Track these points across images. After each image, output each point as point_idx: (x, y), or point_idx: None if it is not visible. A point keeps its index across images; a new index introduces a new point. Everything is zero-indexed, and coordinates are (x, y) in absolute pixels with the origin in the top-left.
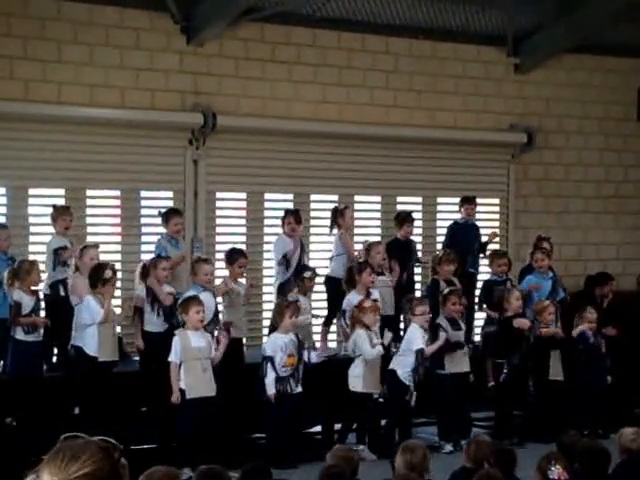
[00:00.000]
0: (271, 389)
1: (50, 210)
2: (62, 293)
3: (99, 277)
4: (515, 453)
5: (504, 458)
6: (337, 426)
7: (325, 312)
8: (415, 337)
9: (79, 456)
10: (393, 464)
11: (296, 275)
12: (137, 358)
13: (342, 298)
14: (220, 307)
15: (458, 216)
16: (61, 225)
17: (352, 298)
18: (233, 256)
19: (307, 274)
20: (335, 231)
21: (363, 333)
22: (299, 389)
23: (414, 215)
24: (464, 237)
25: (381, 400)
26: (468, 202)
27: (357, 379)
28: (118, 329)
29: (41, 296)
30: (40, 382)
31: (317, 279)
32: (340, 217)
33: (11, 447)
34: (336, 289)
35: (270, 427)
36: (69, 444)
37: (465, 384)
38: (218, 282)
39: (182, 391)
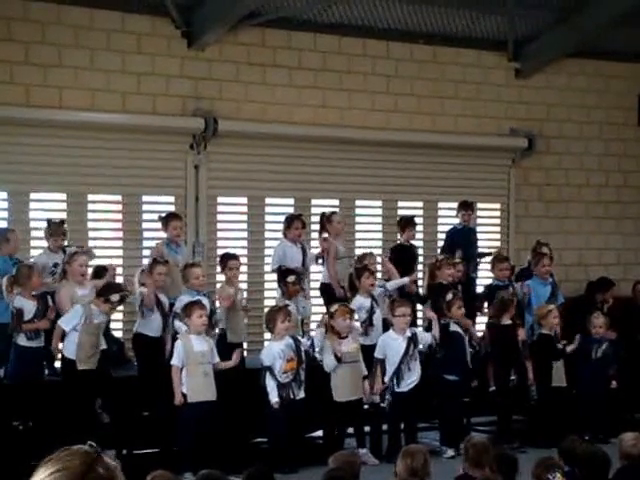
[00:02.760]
0: (274, 397)
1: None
2: (50, 303)
3: (109, 294)
4: (517, 459)
5: (505, 464)
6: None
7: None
8: (379, 346)
9: (48, 464)
10: None
11: (280, 280)
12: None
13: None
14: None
15: (457, 221)
16: (53, 244)
17: (358, 300)
18: (223, 260)
19: (290, 278)
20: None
21: (329, 346)
22: (302, 394)
23: (415, 219)
24: (463, 242)
25: (366, 407)
26: (465, 208)
27: (333, 388)
28: (120, 334)
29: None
30: (42, 387)
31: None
32: (328, 223)
33: (16, 451)
34: (332, 295)
35: (271, 432)
36: (51, 456)
37: (466, 388)
38: (218, 286)
39: (184, 395)
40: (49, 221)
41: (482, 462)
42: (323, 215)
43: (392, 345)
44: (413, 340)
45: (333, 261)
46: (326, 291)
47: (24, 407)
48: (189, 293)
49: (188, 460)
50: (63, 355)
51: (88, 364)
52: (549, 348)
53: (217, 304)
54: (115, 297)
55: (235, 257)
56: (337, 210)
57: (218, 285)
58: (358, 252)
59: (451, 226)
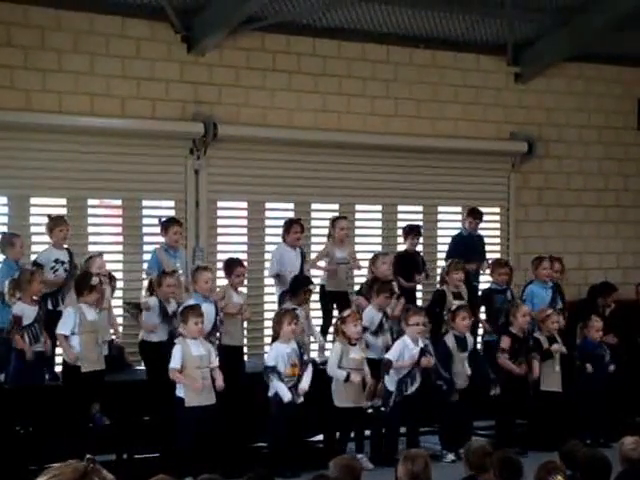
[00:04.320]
0: (286, 396)
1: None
2: (50, 306)
3: (86, 284)
4: (522, 463)
5: (509, 468)
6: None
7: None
8: (395, 349)
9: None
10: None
11: (297, 286)
12: (141, 367)
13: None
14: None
15: (459, 225)
16: (57, 236)
17: (370, 313)
18: (231, 266)
19: (312, 287)
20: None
21: (338, 348)
22: (301, 399)
23: (420, 228)
24: (468, 249)
25: (370, 411)
26: (473, 215)
27: (334, 393)
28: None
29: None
30: (43, 391)
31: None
32: (332, 227)
33: (16, 455)
34: (331, 299)
35: (272, 436)
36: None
37: (465, 395)
38: (218, 290)
39: (181, 400)
40: (49, 215)
41: (484, 466)
42: (331, 219)
43: (408, 354)
44: (425, 352)
45: (315, 261)
46: (325, 294)
47: (25, 411)
48: (196, 298)
49: (188, 465)
50: (65, 361)
51: (94, 365)
52: (539, 351)
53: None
54: (95, 280)
55: (241, 264)
56: (345, 216)
57: (218, 290)
58: (357, 256)
59: (453, 232)
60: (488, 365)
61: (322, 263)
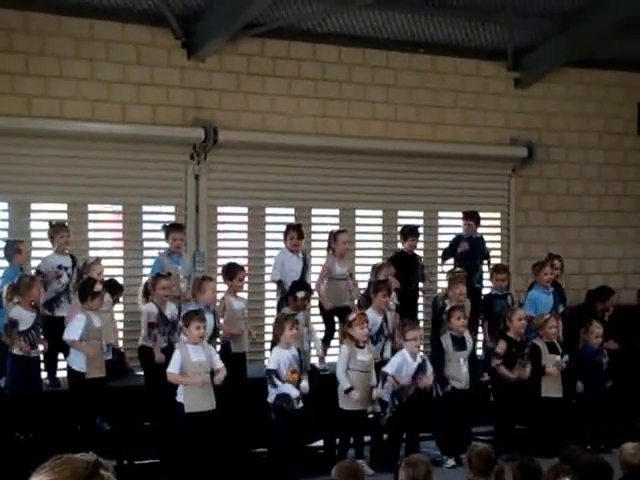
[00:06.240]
0: (293, 391)
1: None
2: (48, 312)
3: (89, 291)
4: (541, 468)
5: (528, 474)
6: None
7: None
8: (394, 362)
9: (41, 471)
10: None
11: (290, 292)
12: (141, 373)
13: (340, 315)
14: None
15: (460, 230)
16: (59, 242)
17: (371, 316)
18: (232, 270)
19: (300, 294)
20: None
21: (345, 351)
22: (301, 404)
23: (418, 229)
24: (469, 251)
25: (371, 416)
26: (465, 218)
27: (340, 396)
28: (120, 343)
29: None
30: (40, 398)
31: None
32: (334, 241)
33: (16, 462)
34: (332, 315)
35: (272, 442)
36: (47, 463)
37: (464, 400)
38: (219, 296)
39: (181, 405)
40: (50, 222)
41: (486, 470)
42: (331, 232)
43: (407, 369)
44: (422, 368)
45: (321, 280)
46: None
47: (25, 418)
48: (197, 307)
49: (188, 470)
50: (70, 368)
51: (98, 372)
52: (537, 359)
53: (221, 321)
54: (98, 287)
55: (243, 268)
56: (345, 229)
57: (219, 295)
58: (358, 261)
59: (454, 235)
60: (486, 370)
61: (325, 281)
